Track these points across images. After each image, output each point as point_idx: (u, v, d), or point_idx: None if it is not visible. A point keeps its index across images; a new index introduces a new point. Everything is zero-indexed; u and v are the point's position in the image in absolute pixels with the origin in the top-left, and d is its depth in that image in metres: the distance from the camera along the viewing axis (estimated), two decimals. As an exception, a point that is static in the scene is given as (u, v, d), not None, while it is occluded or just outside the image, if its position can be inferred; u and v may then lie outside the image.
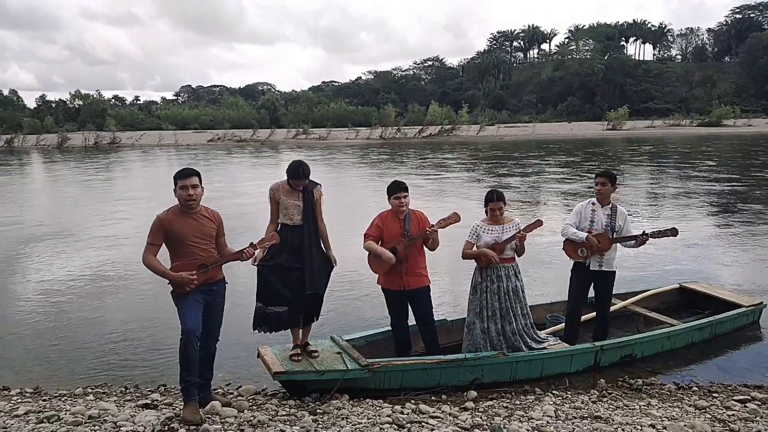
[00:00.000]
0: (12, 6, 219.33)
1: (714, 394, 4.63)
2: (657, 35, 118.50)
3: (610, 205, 5.22)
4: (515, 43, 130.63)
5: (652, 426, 3.80)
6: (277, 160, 32.60)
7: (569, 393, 4.65)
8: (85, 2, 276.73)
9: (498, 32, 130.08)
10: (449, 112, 73.10)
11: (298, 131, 61.81)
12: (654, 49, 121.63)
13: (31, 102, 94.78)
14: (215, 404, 3.96)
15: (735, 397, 4.49)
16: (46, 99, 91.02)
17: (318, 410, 4.07)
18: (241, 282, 7.36)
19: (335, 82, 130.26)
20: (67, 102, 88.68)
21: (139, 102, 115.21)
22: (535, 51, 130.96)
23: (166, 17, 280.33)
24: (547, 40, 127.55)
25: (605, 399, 4.50)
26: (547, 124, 74.98)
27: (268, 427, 3.69)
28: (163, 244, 3.87)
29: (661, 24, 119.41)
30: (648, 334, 5.44)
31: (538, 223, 4.86)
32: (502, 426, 3.75)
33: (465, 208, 11.67)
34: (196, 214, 3.90)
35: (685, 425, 3.81)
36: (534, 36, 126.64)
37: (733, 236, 10.79)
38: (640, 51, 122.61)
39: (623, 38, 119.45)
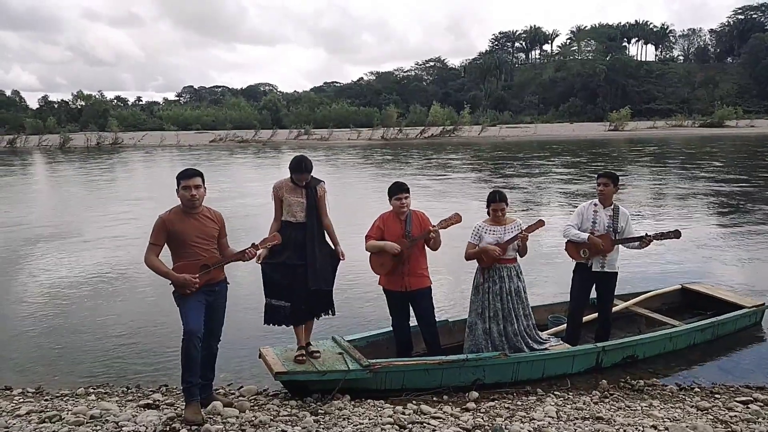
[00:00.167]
0: (13, 7, 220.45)
1: (716, 395, 4.62)
2: (659, 36, 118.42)
3: (612, 206, 5.20)
4: (517, 44, 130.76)
5: (654, 427, 3.80)
6: (281, 161, 32.60)
7: (571, 394, 4.65)
8: (86, 3, 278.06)
9: (500, 33, 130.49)
10: (451, 113, 73.20)
11: (299, 132, 61.90)
12: (656, 49, 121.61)
13: (33, 103, 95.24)
14: (217, 404, 3.96)
15: (737, 399, 4.48)
16: (49, 100, 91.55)
17: (319, 411, 4.08)
18: (243, 283, 7.37)
19: (337, 82, 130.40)
20: (70, 103, 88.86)
21: (141, 103, 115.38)
22: (537, 52, 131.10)
23: (167, 18, 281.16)
24: (549, 41, 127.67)
25: (607, 400, 4.50)
26: (549, 125, 74.94)
27: (269, 427, 3.69)
28: (165, 245, 3.88)
29: (663, 25, 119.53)
30: (650, 335, 5.44)
31: (540, 224, 4.85)
32: (503, 427, 3.75)
33: (474, 209, 11.55)
34: (199, 214, 3.91)
35: (687, 426, 3.80)
36: (536, 37, 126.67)
37: (736, 237, 10.78)
38: (642, 52, 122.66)
39: (625, 39, 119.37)
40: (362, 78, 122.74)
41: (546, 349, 4.98)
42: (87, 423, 3.70)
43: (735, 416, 4.10)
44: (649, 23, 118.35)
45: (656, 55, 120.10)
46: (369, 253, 4.83)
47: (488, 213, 4.95)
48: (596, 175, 5.44)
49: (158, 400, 4.36)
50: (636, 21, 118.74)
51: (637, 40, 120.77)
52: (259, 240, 4.12)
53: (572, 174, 22.33)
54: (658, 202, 15.19)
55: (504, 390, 4.70)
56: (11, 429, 3.62)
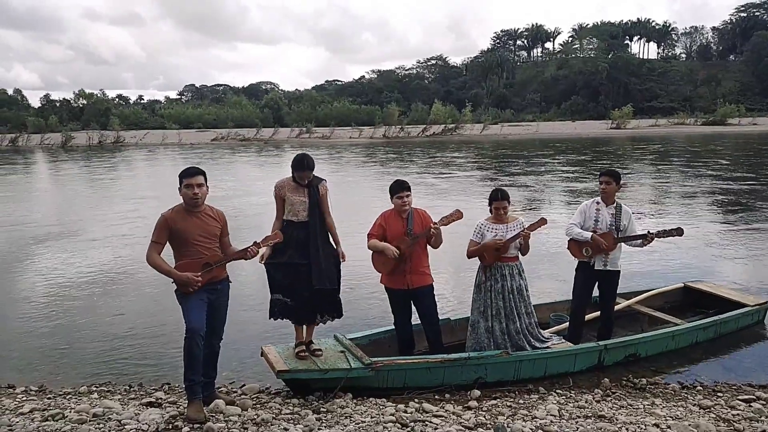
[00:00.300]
0: (14, 7, 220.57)
1: (718, 394, 4.62)
2: (661, 34, 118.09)
3: (615, 204, 5.19)
4: (519, 42, 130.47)
5: (657, 425, 3.79)
6: (283, 159, 32.60)
7: (573, 392, 4.64)
8: (87, 2, 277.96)
9: (501, 31, 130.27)
10: (453, 111, 73.14)
11: (301, 130, 61.94)
12: (658, 47, 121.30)
13: (35, 101, 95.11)
14: (219, 402, 3.97)
15: (739, 397, 4.48)
16: (50, 98, 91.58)
17: (321, 409, 4.08)
18: (246, 282, 7.39)
19: (338, 81, 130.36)
20: (71, 101, 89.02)
21: (142, 101, 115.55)
22: (539, 50, 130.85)
23: (168, 17, 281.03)
24: (551, 39, 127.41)
25: (609, 398, 4.49)
26: (550, 123, 74.87)
27: (271, 425, 3.69)
28: (168, 243, 3.88)
29: (665, 22, 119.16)
30: (652, 334, 5.43)
31: (542, 222, 4.84)
32: (505, 425, 3.75)
33: (483, 207, 11.51)
34: (201, 213, 3.91)
35: (689, 425, 3.80)
36: (537, 35, 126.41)
37: (740, 235, 10.75)
38: (644, 50, 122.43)
39: (627, 37, 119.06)
40: (364, 76, 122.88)
41: (548, 347, 4.97)
42: (90, 421, 3.71)
43: (737, 415, 4.09)
44: (651, 21, 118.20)
45: (658, 53, 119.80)
46: (371, 252, 4.82)
47: (490, 211, 4.95)
48: (598, 173, 5.43)
49: (161, 399, 4.37)
50: (638, 19, 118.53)
51: (639, 38, 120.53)
52: (261, 238, 4.13)
53: (578, 172, 22.31)
54: (663, 201, 15.14)
55: (506, 388, 4.70)
56: (14, 427, 3.63)
